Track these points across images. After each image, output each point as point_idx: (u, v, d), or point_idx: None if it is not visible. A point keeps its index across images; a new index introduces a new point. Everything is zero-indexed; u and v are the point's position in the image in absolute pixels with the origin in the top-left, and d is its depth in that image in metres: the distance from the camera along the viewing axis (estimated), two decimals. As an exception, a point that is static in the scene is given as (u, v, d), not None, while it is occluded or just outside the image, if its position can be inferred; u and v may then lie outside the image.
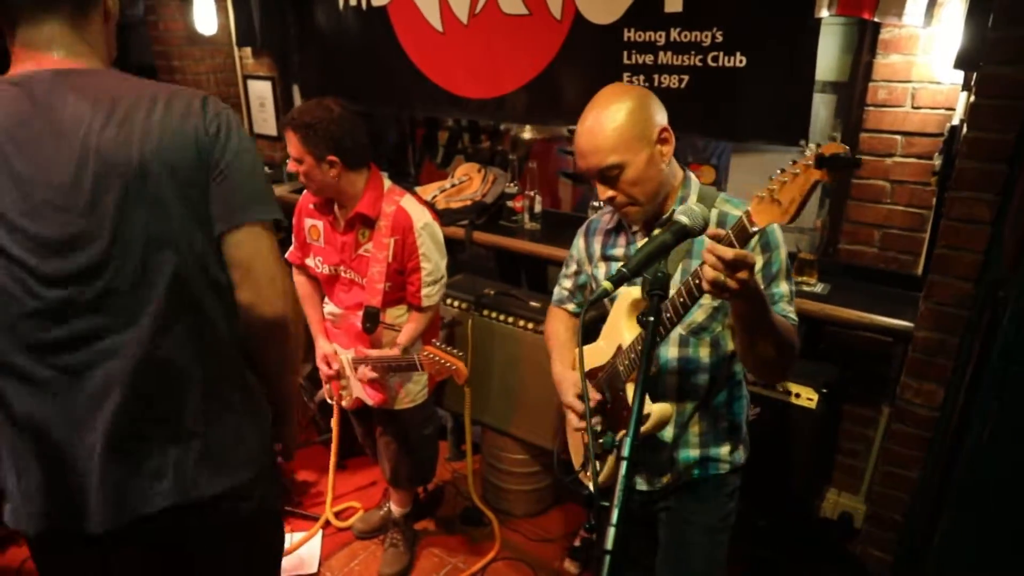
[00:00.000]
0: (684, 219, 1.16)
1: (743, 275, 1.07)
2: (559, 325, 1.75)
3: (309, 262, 2.24)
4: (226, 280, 1.20)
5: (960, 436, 1.76)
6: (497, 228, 2.79)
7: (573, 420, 1.56)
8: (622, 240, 1.53)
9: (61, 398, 1.13)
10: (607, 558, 0.81)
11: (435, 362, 2.05)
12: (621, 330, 1.44)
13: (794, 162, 1.02)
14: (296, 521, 2.76)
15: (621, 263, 1.50)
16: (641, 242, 1.46)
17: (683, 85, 2.40)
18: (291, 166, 2.05)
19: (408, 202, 2.11)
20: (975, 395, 1.63)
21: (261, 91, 3.42)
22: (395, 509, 2.60)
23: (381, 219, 2.06)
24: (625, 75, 2.48)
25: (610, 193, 1.38)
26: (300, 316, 1.29)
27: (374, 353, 2.16)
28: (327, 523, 2.74)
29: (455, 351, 2.07)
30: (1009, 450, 1.51)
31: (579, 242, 1.65)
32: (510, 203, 2.82)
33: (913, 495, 2.06)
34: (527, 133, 3.06)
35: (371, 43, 3.03)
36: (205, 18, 3.08)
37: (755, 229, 1.08)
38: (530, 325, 2.57)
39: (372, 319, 2.11)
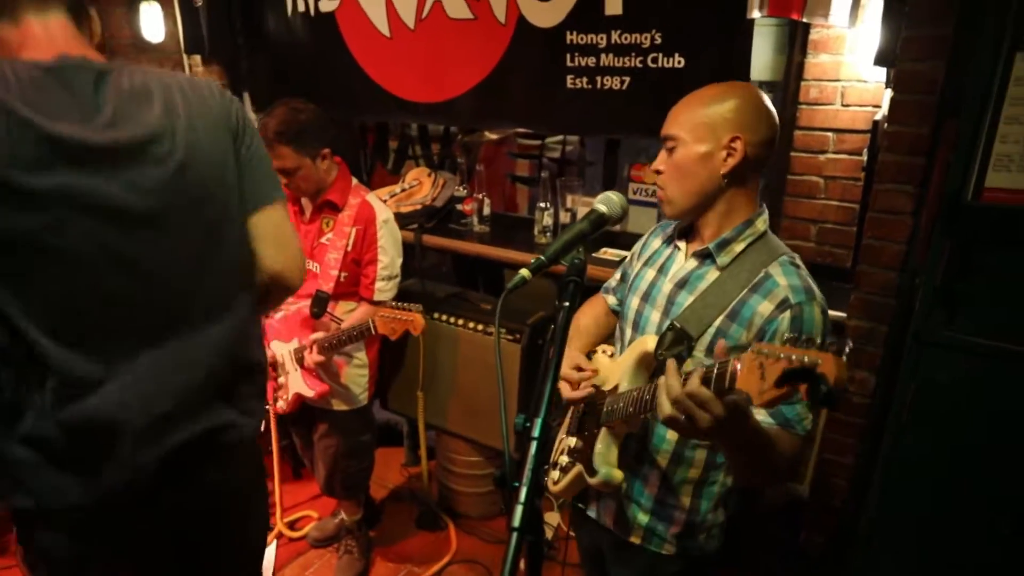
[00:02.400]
0: (602, 207, 1.18)
1: (705, 421, 0.98)
2: (587, 312, 1.67)
3: None
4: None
5: (884, 419, 1.83)
6: (447, 232, 2.80)
7: (565, 390, 1.46)
8: (667, 251, 1.44)
9: None
10: (514, 535, 0.82)
11: (390, 320, 2.03)
12: (626, 372, 1.37)
13: (799, 343, 0.85)
14: (249, 531, 2.72)
15: (648, 263, 1.47)
16: (678, 262, 1.40)
17: (625, 86, 2.44)
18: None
19: (373, 198, 2.19)
20: (895, 379, 1.69)
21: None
22: (346, 517, 2.58)
23: (346, 209, 2.13)
24: (568, 77, 2.51)
25: (658, 165, 1.32)
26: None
27: (321, 334, 2.14)
28: (280, 534, 2.71)
29: (409, 305, 2.06)
30: (926, 430, 1.57)
31: (643, 238, 1.58)
32: (460, 206, 2.84)
33: (850, 481, 2.12)
34: (477, 136, 3.08)
35: (320, 49, 3.02)
36: (152, 25, 3.04)
37: (733, 387, 0.94)
38: (480, 327, 2.58)
39: (321, 304, 2.13)
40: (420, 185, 2.91)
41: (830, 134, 2.27)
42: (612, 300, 1.66)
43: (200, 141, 1.15)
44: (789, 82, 2.30)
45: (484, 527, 2.79)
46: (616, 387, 1.39)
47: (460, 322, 2.61)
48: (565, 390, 1.48)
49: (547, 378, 0.97)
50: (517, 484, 0.87)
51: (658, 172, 1.33)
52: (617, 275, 1.67)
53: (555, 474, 1.52)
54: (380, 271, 2.16)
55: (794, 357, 0.83)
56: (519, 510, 0.83)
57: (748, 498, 2.46)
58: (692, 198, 1.29)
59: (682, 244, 1.41)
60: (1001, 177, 1.52)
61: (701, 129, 1.24)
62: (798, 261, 1.31)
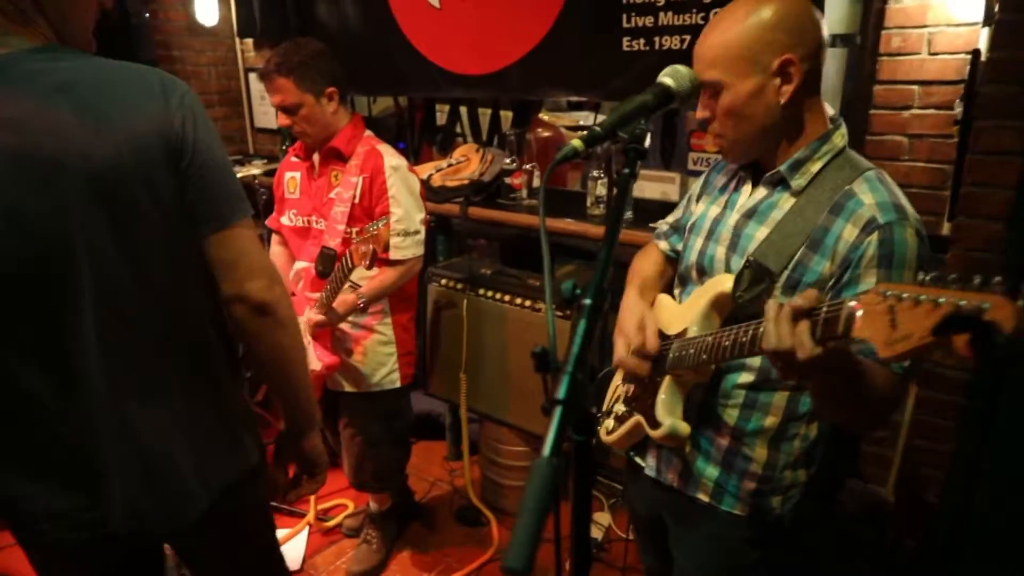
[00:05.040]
0: (668, 80, 1.02)
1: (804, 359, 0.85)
2: (646, 261, 1.49)
3: (284, 220, 2.13)
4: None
5: (994, 400, 1.58)
6: (495, 207, 2.68)
7: (620, 348, 1.30)
8: (732, 185, 1.28)
9: None
10: (558, 408, 0.65)
11: (359, 244, 1.76)
12: (696, 316, 1.21)
13: (943, 283, 0.70)
14: (283, 518, 2.60)
15: (709, 200, 1.31)
16: (745, 193, 1.23)
17: (685, 46, 2.30)
18: (281, 119, 1.96)
19: (384, 147, 2.00)
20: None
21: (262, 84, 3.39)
22: (373, 505, 2.43)
23: (353, 159, 1.96)
24: (624, 40, 2.39)
25: (705, 113, 1.15)
26: (287, 299, 1.16)
27: (321, 293, 1.93)
28: (310, 523, 2.58)
29: (377, 221, 1.79)
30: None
31: (704, 175, 1.41)
32: (508, 180, 2.71)
33: (947, 472, 1.85)
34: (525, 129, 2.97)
35: (370, 27, 2.99)
36: (207, 8, 3.08)
37: (848, 335, 0.80)
38: (528, 303, 2.42)
39: (326, 261, 1.92)
40: (468, 161, 2.80)
41: (915, 87, 2.06)
42: (664, 245, 1.48)
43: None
44: (867, 32, 2.10)
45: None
46: (683, 332, 1.22)
47: (507, 298, 2.46)
48: (619, 349, 1.31)
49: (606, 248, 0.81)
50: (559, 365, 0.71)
51: (706, 120, 1.16)
52: (670, 219, 1.50)
53: (609, 423, 1.35)
54: (394, 225, 1.92)
55: (942, 299, 0.67)
56: (564, 380, 0.67)
57: (824, 492, 2.21)
58: (755, 139, 1.14)
59: (748, 174, 1.25)
60: None
61: (741, 64, 1.07)
62: (887, 176, 1.12)
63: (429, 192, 2.71)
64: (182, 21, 3.09)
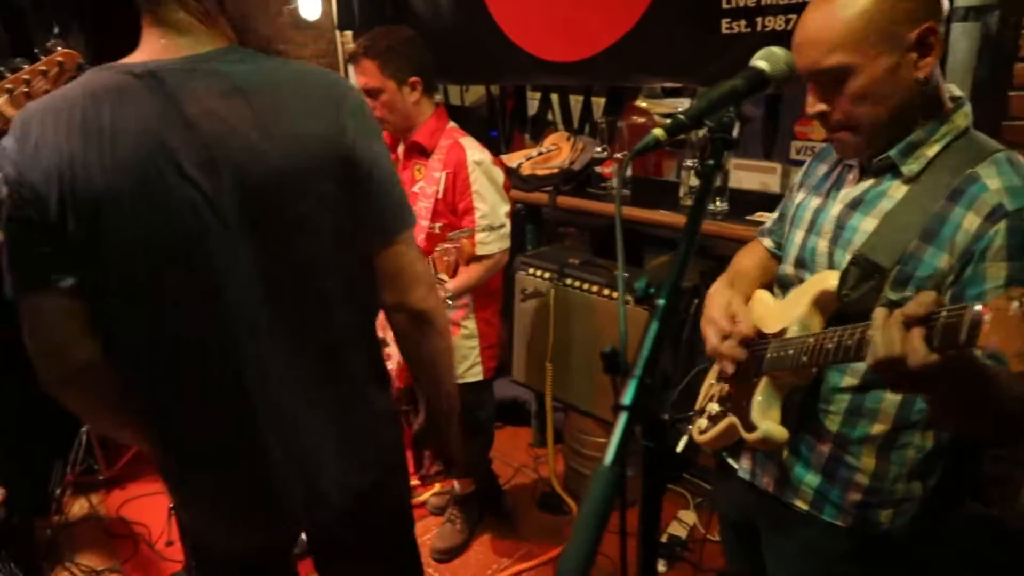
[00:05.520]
0: (761, 63, 0.95)
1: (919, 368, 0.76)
2: (745, 255, 1.42)
3: None
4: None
5: None
6: (585, 196, 2.64)
7: (711, 337, 1.24)
8: (835, 173, 1.19)
9: None
10: (623, 415, 0.63)
11: (442, 254, 1.74)
12: (795, 314, 1.14)
13: None
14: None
15: (810, 190, 1.23)
16: (850, 181, 1.15)
17: (791, 26, 2.16)
18: None
19: (467, 140, 1.99)
20: None
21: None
22: (457, 487, 2.47)
23: (436, 153, 1.96)
24: (724, 21, 2.27)
25: (821, 107, 1.03)
26: (442, 306, 1.20)
27: None
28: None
29: (460, 231, 1.79)
30: None
31: (805, 165, 1.32)
32: (599, 168, 2.66)
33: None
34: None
35: (462, 16, 3.00)
36: (310, 3, 3.20)
37: (973, 342, 0.71)
38: (615, 294, 2.37)
39: None
40: (558, 150, 2.77)
41: (1061, 65, 1.83)
42: (769, 242, 1.40)
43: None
44: (1007, 3, 1.89)
45: (613, 517, 2.56)
46: (783, 331, 1.15)
47: (595, 289, 2.42)
48: (711, 338, 1.25)
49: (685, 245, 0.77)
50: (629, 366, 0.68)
51: (822, 116, 1.06)
52: (775, 214, 1.42)
53: (702, 422, 1.30)
54: (479, 220, 1.92)
55: None
56: (631, 385, 0.65)
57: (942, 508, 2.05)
58: (891, 124, 1.02)
59: (853, 161, 1.14)
60: None
61: (874, 41, 0.96)
62: (1018, 157, 0.99)
63: (518, 181, 2.71)
64: (285, 17, 3.23)
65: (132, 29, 1.00)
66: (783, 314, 1.18)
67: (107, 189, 0.91)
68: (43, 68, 1.71)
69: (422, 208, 1.96)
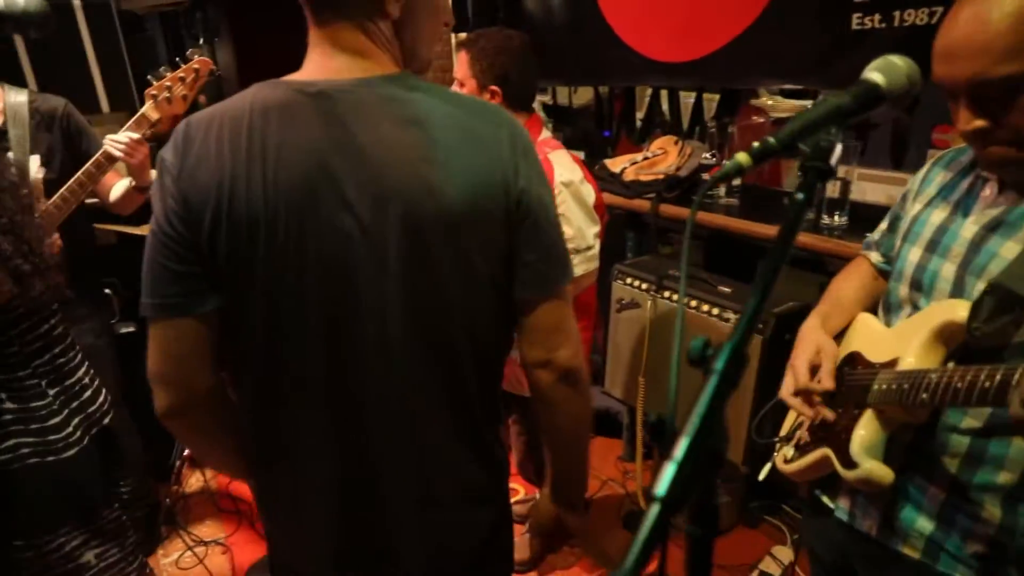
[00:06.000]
0: (875, 75, 0.81)
1: None
2: (846, 280, 1.32)
3: None
4: None
5: None
6: (689, 204, 2.50)
7: (788, 384, 1.17)
8: (964, 184, 1.07)
9: None
10: (653, 507, 0.55)
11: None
12: (912, 344, 1.03)
13: None
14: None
15: (931, 202, 1.10)
16: (986, 199, 1.02)
17: (935, 20, 1.91)
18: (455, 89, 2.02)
19: (557, 156, 1.91)
20: None
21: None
22: (540, 495, 2.44)
23: None
24: (855, 16, 2.05)
25: (979, 123, 0.92)
26: (586, 366, 1.10)
27: None
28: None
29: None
30: None
31: (923, 170, 1.19)
32: (706, 175, 2.51)
33: None
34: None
35: (574, 16, 2.94)
36: (426, 5, 3.26)
37: None
38: (716, 311, 2.23)
39: None
40: (665, 154, 2.64)
41: None
42: (876, 257, 1.27)
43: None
44: None
45: None
46: (894, 361, 1.04)
47: (693, 303, 2.29)
48: (786, 386, 1.16)
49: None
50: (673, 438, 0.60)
51: (979, 133, 0.92)
52: (883, 226, 1.28)
53: (788, 451, 1.20)
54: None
55: None
56: (668, 471, 0.56)
57: None
58: None
59: (991, 174, 1.00)
60: None
61: None
62: None
63: (620, 187, 2.61)
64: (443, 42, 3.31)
65: (276, 43, 0.97)
66: (895, 342, 1.06)
67: (265, 209, 0.86)
68: (181, 75, 1.85)
69: None
